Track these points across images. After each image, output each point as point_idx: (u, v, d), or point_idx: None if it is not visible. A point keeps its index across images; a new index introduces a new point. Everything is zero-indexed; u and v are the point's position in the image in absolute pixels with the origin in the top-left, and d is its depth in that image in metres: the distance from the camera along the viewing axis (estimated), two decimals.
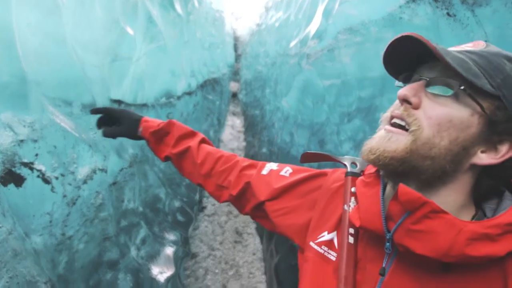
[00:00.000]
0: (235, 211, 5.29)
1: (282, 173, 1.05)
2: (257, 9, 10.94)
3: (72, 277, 1.65)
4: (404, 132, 0.67)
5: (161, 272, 2.53)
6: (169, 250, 2.87)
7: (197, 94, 5.70)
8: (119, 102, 2.58)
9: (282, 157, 4.67)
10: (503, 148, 0.65)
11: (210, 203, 5.53)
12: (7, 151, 1.30)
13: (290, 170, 1.05)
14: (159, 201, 3.32)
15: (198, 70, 5.87)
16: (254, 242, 4.56)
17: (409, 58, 0.72)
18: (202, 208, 5.27)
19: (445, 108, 0.64)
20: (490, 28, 1.44)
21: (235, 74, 16.07)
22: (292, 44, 4.52)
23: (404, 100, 0.68)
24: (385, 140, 0.68)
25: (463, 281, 0.63)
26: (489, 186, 0.70)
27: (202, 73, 6.31)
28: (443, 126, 0.64)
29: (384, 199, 0.73)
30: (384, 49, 0.71)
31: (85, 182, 1.80)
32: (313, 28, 3.63)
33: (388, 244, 0.69)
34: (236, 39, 17.18)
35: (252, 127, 8.94)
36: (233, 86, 14.99)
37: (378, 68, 2.38)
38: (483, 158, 0.65)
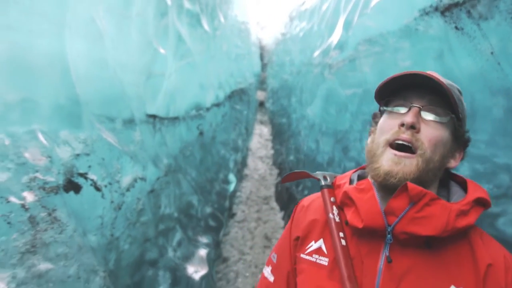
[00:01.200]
0: (264, 218, 5.42)
1: (275, 261, 1.06)
2: (281, 19, 11.10)
3: (120, 273, 1.86)
4: (411, 155, 0.83)
5: (195, 271, 2.71)
6: (203, 252, 3.06)
7: (225, 105, 5.90)
8: (154, 116, 2.80)
9: (309, 164, 4.77)
10: (457, 154, 0.92)
11: (240, 209, 5.68)
12: (67, 163, 1.53)
13: (275, 255, 1.07)
14: (192, 208, 3.51)
15: (225, 82, 6.07)
16: None
17: (397, 86, 0.91)
18: (232, 215, 5.43)
19: (438, 132, 0.86)
20: (494, 40, 1.53)
21: (261, 83, 16.03)
22: (316, 54, 4.63)
23: (411, 127, 0.85)
24: (400, 165, 0.83)
25: (443, 251, 0.82)
26: (444, 180, 0.95)
27: (229, 84, 6.51)
28: (438, 146, 0.85)
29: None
30: (387, 79, 0.90)
31: (128, 189, 2.02)
32: (334, 39, 3.75)
33: (389, 236, 0.83)
34: (262, 48, 17.11)
35: (279, 135, 9.05)
36: (260, 95, 15.11)
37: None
38: (452, 163, 0.91)
